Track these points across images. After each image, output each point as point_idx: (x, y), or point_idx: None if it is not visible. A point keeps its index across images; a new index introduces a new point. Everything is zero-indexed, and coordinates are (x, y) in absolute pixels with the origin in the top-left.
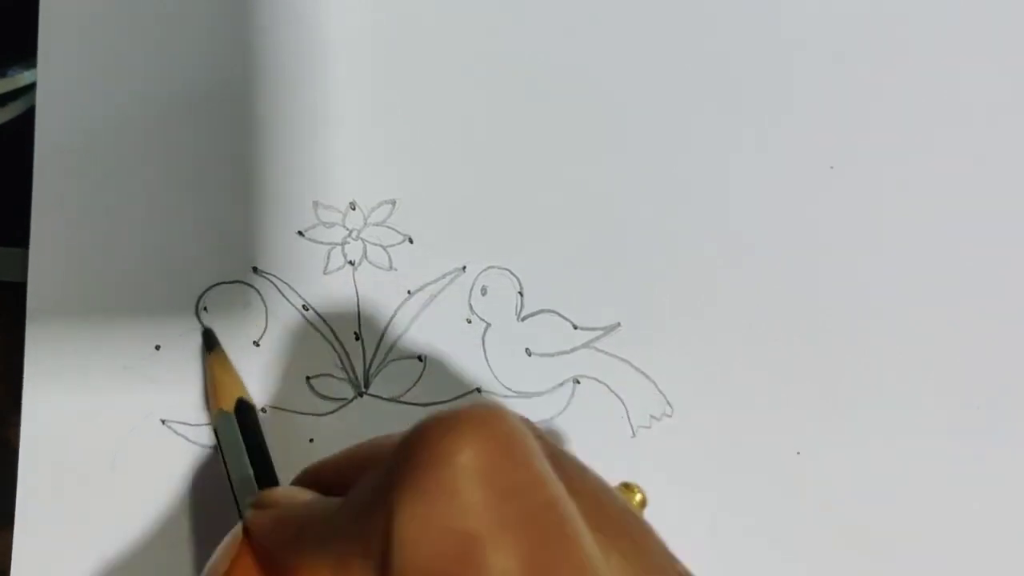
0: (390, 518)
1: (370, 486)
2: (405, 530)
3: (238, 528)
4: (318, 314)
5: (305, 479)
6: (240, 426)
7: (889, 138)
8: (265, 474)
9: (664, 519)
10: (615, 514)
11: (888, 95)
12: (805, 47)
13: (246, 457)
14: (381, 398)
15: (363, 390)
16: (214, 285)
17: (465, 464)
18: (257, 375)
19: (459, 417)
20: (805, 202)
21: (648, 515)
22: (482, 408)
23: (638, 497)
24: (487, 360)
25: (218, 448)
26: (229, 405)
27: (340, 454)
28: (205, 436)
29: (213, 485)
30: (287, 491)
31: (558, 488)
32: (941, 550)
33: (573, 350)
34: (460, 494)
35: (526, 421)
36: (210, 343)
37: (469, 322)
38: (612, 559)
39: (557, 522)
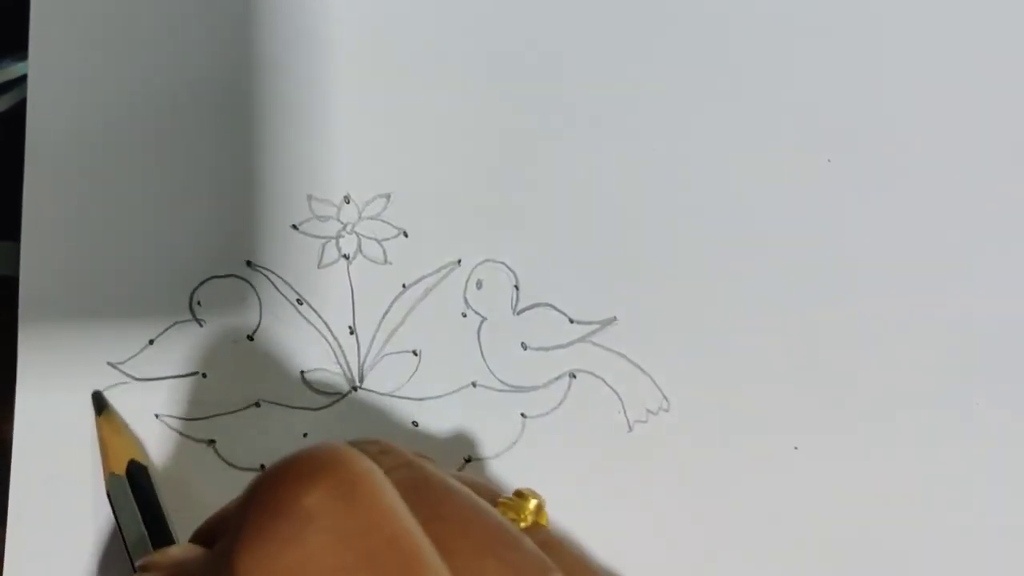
0: (233, 572)
1: (222, 540)
2: None
3: None
4: (312, 308)
5: (200, 534)
6: (133, 488)
7: (886, 131)
8: (160, 535)
9: (660, 514)
10: (484, 533)
11: (886, 88)
12: (802, 39)
13: (140, 519)
14: (376, 392)
15: (357, 384)
16: (208, 279)
17: (304, 510)
18: (251, 369)
19: (297, 463)
20: (802, 195)
21: (638, 514)
22: (321, 451)
23: (532, 504)
24: (482, 354)
25: (112, 511)
26: (121, 468)
27: (226, 505)
28: (200, 430)
29: (208, 480)
30: (177, 550)
31: (403, 523)
32: (941, 547)
33: (569, 344)
34: (300, 541)
35: (389, 450)
36: (99, 405)
37: (464, 316)
38: None
39: (404, 558)
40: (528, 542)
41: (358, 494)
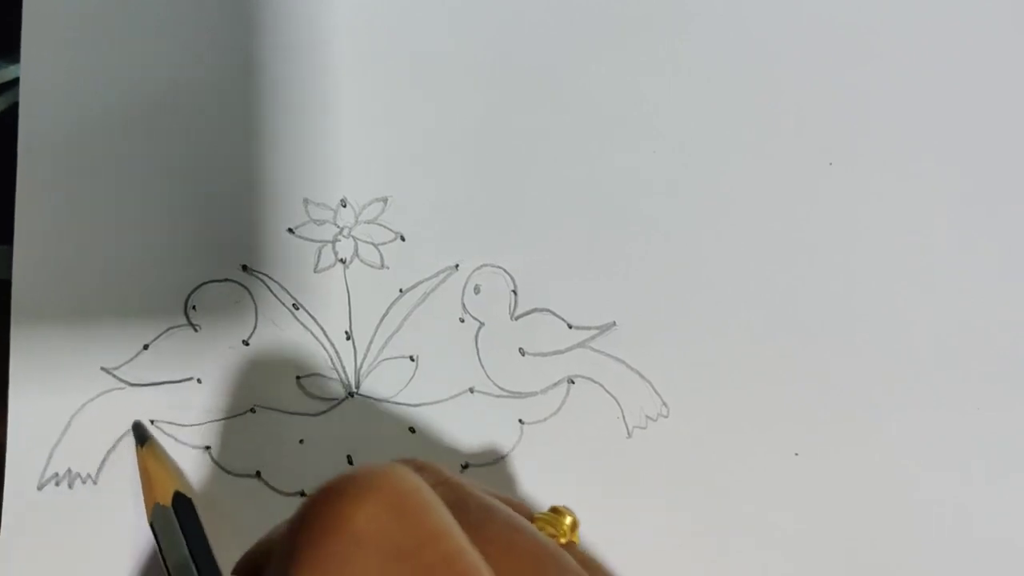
0: None
1: (273, 566)
2: None
3: None
4: (308, 313)
5: (244, 567)
6: (179, 520)
7: (888, 134)
8: (206, 567)
9: (659, 520)
10: (527, 552)
11: (887, 91)
12: (804, 42)
13: (186, 551)
14: (372, 398)
15: (354, 390)
16: (203, 283)
17: (356, 530)
18: (247, 374)
19: (347, 483)
20: (803, 199)
21: (636, 520)
22: (370, 470)
23: (568, 520)
24: (480, 360)
25: (156, 544)
26: (166, 499)
27: (268, 534)
28: (195, 436)
29: (204, 485)
30: None
31: (456, 541)
32: (941, 553)
33: (568, 349)
34: (353, 562)
35: (425, 468)
36: (141, 437)
37: (462, 321)
38: None
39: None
40: (571, 560)
41: (410, 511)
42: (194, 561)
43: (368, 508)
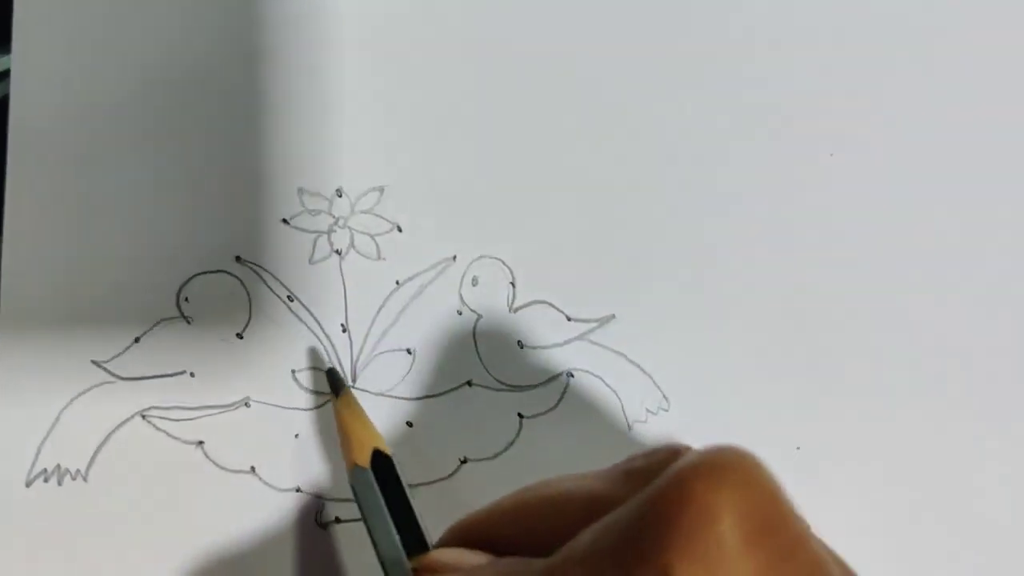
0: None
1: (622, 546)
2: None
3: None
4: (303, 305)
5: (457, 537)
6: (379, 481)
7: (889, 125)
8: (412, 536)
9: None
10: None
11: (888, 81)
12: (804, 33)
13: (388, 516)
14: (369, 392)
15: (350, 384)
16: (196, 275)
17: (734, 524)
18: (241, 368)
19: (720, 469)
20: (804, 190)
21: None
22: (737, 457)
23: None
24: (478, 352)
25: (359, 508)
26: (364, 459)
27: (500, 508)
28: (188, 431)
29: (198, 482)
30: (454, 554)
31: (819, 546)
32: (941, 553)
33: (567, 342)
34: (735, 561)
35: None
36: (336, 385)
37: (460, 313)
38: None
39: (811, 562)
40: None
41: (779, 510)
42: (396, 524)
43: (745, 501)
